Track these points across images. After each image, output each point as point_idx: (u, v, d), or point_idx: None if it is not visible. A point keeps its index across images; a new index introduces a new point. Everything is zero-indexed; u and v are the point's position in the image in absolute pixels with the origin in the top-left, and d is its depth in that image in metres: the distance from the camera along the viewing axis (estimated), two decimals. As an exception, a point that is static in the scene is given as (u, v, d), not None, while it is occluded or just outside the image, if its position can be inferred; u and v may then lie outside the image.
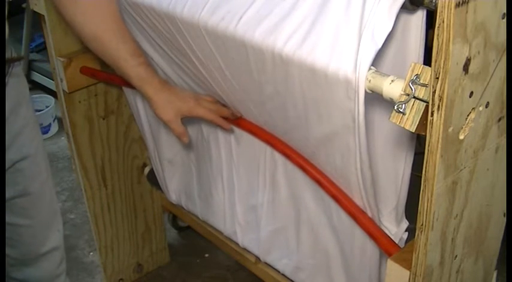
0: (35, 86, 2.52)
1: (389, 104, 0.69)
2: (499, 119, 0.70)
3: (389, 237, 0.87)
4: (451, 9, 0.55)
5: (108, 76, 1.30)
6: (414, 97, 0.65)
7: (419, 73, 0.65)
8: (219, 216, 1.26)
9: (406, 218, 0.92)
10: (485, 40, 0.61)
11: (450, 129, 0.63)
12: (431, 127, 0.63)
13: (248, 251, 1.24)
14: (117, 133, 1.40)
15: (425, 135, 0.64)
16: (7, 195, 0.93)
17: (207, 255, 1.75)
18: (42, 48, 2.55)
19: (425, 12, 0.71)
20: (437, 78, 0.59)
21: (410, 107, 0.65)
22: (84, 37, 1.01)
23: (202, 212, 1.32)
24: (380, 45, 0.70)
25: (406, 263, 0.74)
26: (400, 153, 0.86)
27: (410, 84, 0.65)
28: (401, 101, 0.66)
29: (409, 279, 0.73)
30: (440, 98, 0.60)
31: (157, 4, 0.96)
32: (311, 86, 0.79)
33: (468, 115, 0.65)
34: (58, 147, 2.31)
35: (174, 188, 1.36)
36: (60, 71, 1.24)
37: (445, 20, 0.56)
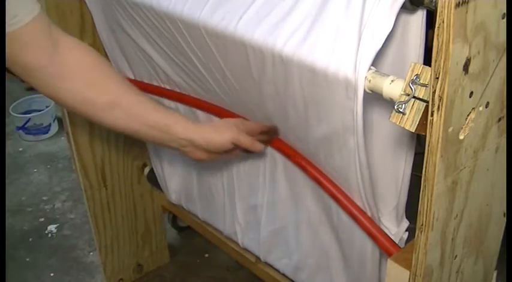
0: (35, 86, 2.52)
1: (389, 104, 0.69)
2: (499, 119, 0.70)
3: (389, 237, 0.87)
4: (451, 9, 0.55)
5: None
6: (414, 97, 0.65)
7: (419, 73, 0.65)
8: (219, 216, 1.26)
9: (407, 217, 0.92)
10: (485, 40, 0.61)
11: (450, 129, 0.63)
12: (431, 127, 0.63)
13: (248, 251, 1.25)
14: (117, 133, 1.40)
15: (425, 135, 0.64)
16: None
17: (207, 255, 1.75)
18: (42, 48, 2.55)
19: (425, 12, 0.71)
20: (437, 78, 0.59)
21: (410, 107, 0.65)
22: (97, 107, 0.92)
23: (202, 212, 1.32)
24: (380, 45, 0.70)
25: (406, 263, 0.74)
26: (400, 153, 0.86)
27: (410, 84, 0.65)
28: (401, 101, 0.66)
29: (409, 279, 0.73)
30: (440, 98, 0.60)
31: (157, 4, 0.96)
32: (311, 86, 0.79)
33: (468, 115, 0.65)
34: (58, 147, 2.31)
35: (174, 188, 1.36)
36: (60, 71, 1.24)
37: (445, 20, 0.56)
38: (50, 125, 2.38)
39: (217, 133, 0.97)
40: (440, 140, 0.62)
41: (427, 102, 0.63)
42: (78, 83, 0.90)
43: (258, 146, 0.99)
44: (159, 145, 1.02)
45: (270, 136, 0.99)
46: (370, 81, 0.70)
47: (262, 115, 0.97)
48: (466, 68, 0.60)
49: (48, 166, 2.20)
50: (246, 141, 0.97)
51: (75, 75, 0.90)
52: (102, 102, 0.91)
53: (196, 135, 0.96)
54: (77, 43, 0.93)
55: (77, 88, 0.90)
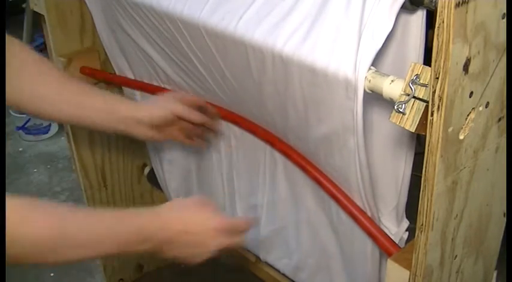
0: (35, 86, 2.52)
1: (389, 104, 0.69)
2: (499, 119, 0.70)
3: (389, 237, 0.87)
4: (451, 9, 0.55)
5: (108, 76, 1.30)
6: (414, 97, 0.65)
7: (419, 73, 0.65)
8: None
9: (407, 217, 0.92)
10: (485, 40, 0.61)
11: (450, 129, 0.63)
12: (431, 127, 0.63)
13: (248, 251, 1.24)
14: (117, 134, 1.40)
15: (425, 135, 0.64)
16: None
17: (207, 255, 1.75)
18: (42, 48, 2.55)
19: (425, 12, 0.71)
20: (437, 78, 0.59)
21: (410, 107, 0.65)
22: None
23: (202, 212, 1.32)
24: (380, 45, 0.70)
25: (406, 263, 0.74)
26: (400, 153, 0.86)
27: (410, 84, 0.65)
28: (401, 101, 0.66)
29: (409, 279, 0.73)
30: (440, 98, 0.60)
31: (157, 4, 0.96)
32: (311, 86, 0.79)
33: (468, 115, 0.65)
34: (58, 147, 2.31)
35: (174, 188, 1.36)
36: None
37: (445, 20, 0.56)
38: (50, 125, 2.38)
39: (158, 105, 1.03)
40: (440, 140, 0.62)
41: (427, 102, 0.63)
42: (23, 82, 0.94)
43: (195, 117, 1.05)
44: (109, 129, 1.06)
45: (204, 112, 1.07)
46: (370, 81, 0.70)
47: (261, 115, 0.97)
48: (466, 68, 0.60)
49: (48, 166, 2.20)
50: (184, 111, 1.03)
51: (19, 76, 0.94)
52: (39, 95, 0.96)
53: (139, 112, 1.01)
54: (22, 45, 0.98)
55: (21, 87, 0.94)
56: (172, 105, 1.03)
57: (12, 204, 0.70)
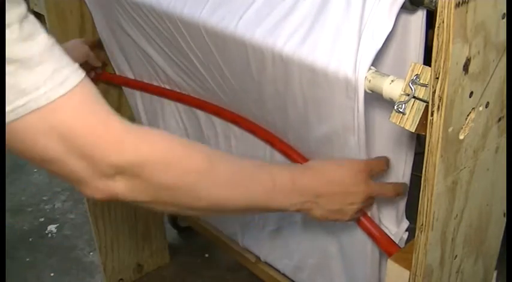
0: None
1: (389, 104, 0.69)
2: (499, 119, 0.70)
3: (389, 237, 0.87)
4: (451, 9, 0.55)
5: (108, 76, 1.30)
6: (414, 97, 0.65)
7: (419, 73, 0.65)
8: (219, 216, 1.26)
9: (407, 217, 0.92)
10: (485, 40, 0.61)
11: (450, 129, 0.63)
12: (431, 127, 0.63)
13: (248, 251, 1.24)
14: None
15: (425, 135, 0.64)
16: None
17: (207, 255, 1.75)
18: (42, 48, 2.55)
19: (425, 12, 0.71)
20: (437, 78, 0.59)
21: (410, 107, 0.65)
22: None
23: (202, 212, 1.32)
24: (380, 45, 0.70)
25: (406, 263, 0.74)
26: (400, 153, 0.86)
27: (410, 84, 0.65)
28: (401, 101, 0.66)
29: (409, 279, 0.73)
30: (440, 98, 0.60)
31: (157, 4, 0.96)
32: (311, 86, 0.79)
33: (468, 115, 0.65)
34: (58, 147, 2.31)
35: (174, 188, 1.36)
36: (60, 71, 1.24)
37: (445, 20, 0.56)
38: (50, 125, 2.38)
39: (75, 50, 1.19)
40: (440, 140, 0.62)
41: (427, 102, 0.63)
42: None
43: (94, 59, 1.24)
44: None
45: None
46: (370, 81, 0.70)
47: (261, 114, 0.97)
48: (466, 68, 0.60)
49: (48, 166, 2.20)
50: (89, 53, 1.23)
51: None
52: None
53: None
54: None
55: None
56: (82, 49, 1.20)
57: (160, 132, 0.70)
